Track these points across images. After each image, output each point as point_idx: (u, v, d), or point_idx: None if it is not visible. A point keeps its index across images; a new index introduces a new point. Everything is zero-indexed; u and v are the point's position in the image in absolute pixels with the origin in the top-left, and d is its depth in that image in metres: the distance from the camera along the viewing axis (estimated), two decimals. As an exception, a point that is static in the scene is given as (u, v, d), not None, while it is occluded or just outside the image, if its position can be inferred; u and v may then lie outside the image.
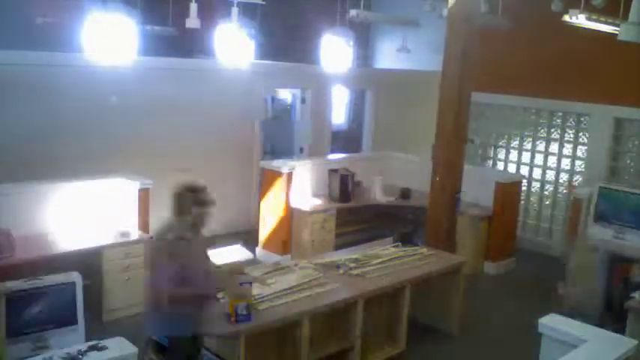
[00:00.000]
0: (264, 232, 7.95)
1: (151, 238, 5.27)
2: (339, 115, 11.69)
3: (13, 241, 5.37)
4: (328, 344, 5.03)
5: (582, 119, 9.15)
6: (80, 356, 3.24)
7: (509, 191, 8.13)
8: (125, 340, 3.43)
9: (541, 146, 9.58)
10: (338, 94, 10.83)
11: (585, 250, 6.81)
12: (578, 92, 8.93)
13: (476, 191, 7.92)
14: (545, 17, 7.58)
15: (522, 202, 9.08)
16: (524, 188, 9.06)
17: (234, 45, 6.37)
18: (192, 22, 8.70)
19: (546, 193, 9.56)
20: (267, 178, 7.92)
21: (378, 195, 8.27)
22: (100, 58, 7.33)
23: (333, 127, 10.55)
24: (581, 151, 9.15)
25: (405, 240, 6.26)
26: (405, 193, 8.37)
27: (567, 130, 9.33)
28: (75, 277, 5.26)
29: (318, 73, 8.45)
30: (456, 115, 6.37)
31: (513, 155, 9.89)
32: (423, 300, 5.98)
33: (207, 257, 4.23)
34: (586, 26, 6.52)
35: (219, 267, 4.69)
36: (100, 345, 3.38)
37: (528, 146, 9.73)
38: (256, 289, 4.58)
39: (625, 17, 5.68)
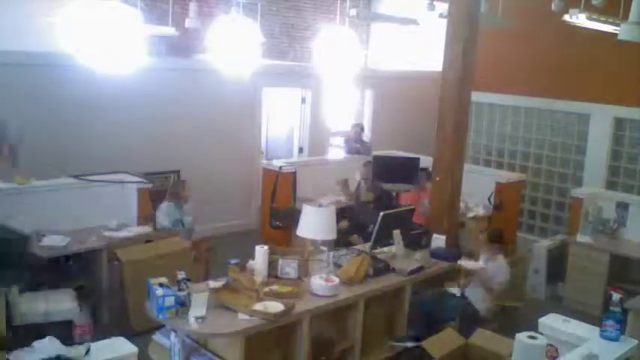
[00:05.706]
0: (265, 232, 7.93)
1: None
2: (338, 115, 11.66)
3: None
4: (328, 344, 5.02)
5: (582, 119, 9.14)
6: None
7: (509, 191, 8.12)
8: (125, 340, 3.42)
9: (541, 146, 9.58)
10: (338, 94, 10.82)
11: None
12: (578, 92, 8.93)
13: (476, 191, 7.92)
14: (545, 17, 7.58)
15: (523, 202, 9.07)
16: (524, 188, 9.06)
17: (234, 45, 6.39)
18: (192, 21, 8.69)
19: (546, 193, 9.55)
20: (269, 178, 7.91)
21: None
22: (100, 59, 7.32)
23: (332, 127, 10.54)
24: (581, 150, 9.15)
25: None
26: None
27: (567, 130, 9.32)
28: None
29: (317, 73, 8.47)
30: (456, 116, 6.36)
31: (514, 155, 9.88)
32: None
33: None
34: (586, 26, 6.53)
35: None
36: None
37: (529, 146, 9.72)
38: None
39: (625, 17, 5.69)
